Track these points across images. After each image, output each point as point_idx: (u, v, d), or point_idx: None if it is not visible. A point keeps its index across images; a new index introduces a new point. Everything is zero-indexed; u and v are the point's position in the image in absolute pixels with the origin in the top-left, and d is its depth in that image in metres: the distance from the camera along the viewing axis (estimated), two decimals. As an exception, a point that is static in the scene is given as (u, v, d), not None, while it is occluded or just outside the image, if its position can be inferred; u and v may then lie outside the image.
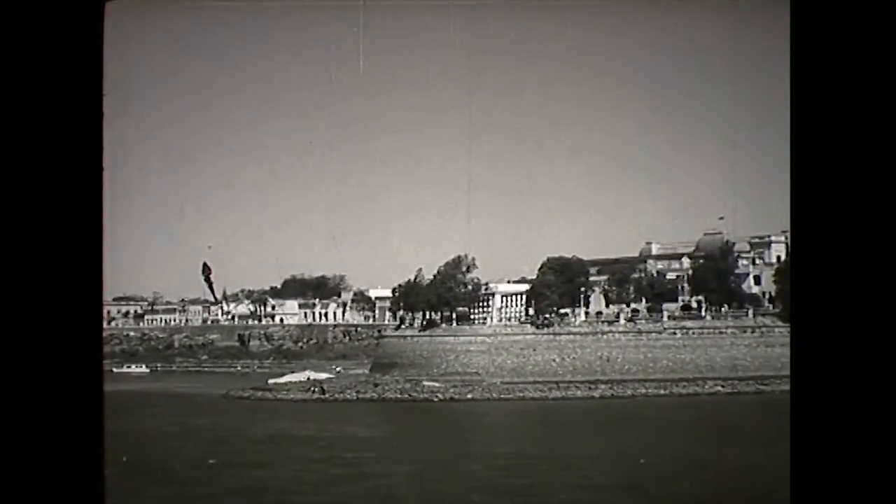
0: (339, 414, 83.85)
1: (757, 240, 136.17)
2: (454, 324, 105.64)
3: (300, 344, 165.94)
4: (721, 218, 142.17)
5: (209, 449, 57.12)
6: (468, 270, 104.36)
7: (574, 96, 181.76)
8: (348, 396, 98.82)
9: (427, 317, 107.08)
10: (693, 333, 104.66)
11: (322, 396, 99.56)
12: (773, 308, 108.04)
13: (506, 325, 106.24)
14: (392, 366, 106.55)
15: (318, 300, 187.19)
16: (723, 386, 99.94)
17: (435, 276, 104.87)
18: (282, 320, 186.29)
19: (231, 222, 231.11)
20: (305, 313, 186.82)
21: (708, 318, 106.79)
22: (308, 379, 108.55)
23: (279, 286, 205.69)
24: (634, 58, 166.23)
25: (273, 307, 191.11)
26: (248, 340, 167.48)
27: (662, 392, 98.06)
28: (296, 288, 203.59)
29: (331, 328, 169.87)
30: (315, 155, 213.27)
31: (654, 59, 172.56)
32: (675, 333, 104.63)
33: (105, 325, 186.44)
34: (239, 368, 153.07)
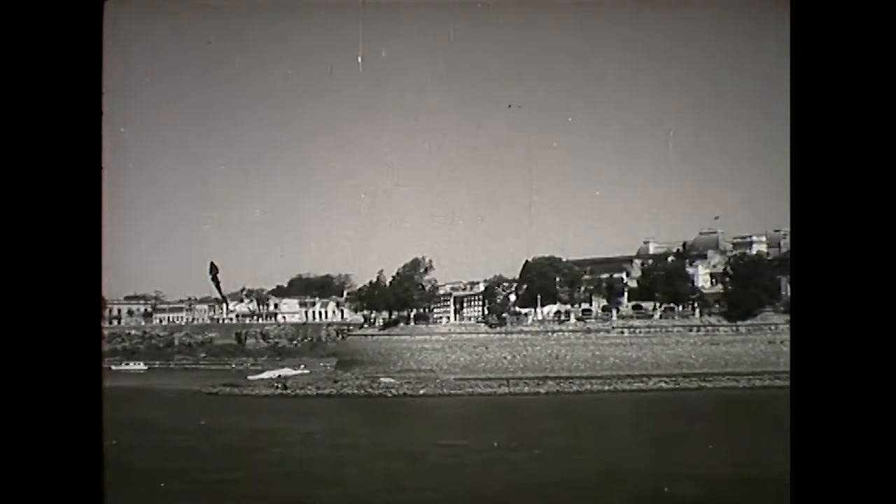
0: (286, 408, 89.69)
1: (739, 239, 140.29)
2: (412, 323, 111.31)
3: (295, 342, 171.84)
4: (716, 218, 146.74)
5: (127, 438, 62.72)
6: (425, 272, 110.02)
7: (572, 96, 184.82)
8: (308, 392, 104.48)
9: (389, 316, 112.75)
10: (640, 332, 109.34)
11: (284, 392, 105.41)
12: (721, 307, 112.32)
13: (461, 324, 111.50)
14: (354, 363, 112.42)
15: (317, 299, 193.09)
16: (666, 382, 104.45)
17: (394, 277, 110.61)
18: (284, 318, 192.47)
19: (238, 221, 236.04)
20: (306, 312, 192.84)
21: (656, 316, 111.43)
22: (279, 376, 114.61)
23: (286, 285, 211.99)
24: (633, 57, 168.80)
25: (276, 306, 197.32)
26: (245, 338, 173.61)
27: (607, 388, 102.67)
28: (301, 287, 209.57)
29: (324, 326, 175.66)
30: (319, 154, 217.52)
31: (653, 59, 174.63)
32: (622, 332, 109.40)
33: (116, 323, 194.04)
34: (234, 366, 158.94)
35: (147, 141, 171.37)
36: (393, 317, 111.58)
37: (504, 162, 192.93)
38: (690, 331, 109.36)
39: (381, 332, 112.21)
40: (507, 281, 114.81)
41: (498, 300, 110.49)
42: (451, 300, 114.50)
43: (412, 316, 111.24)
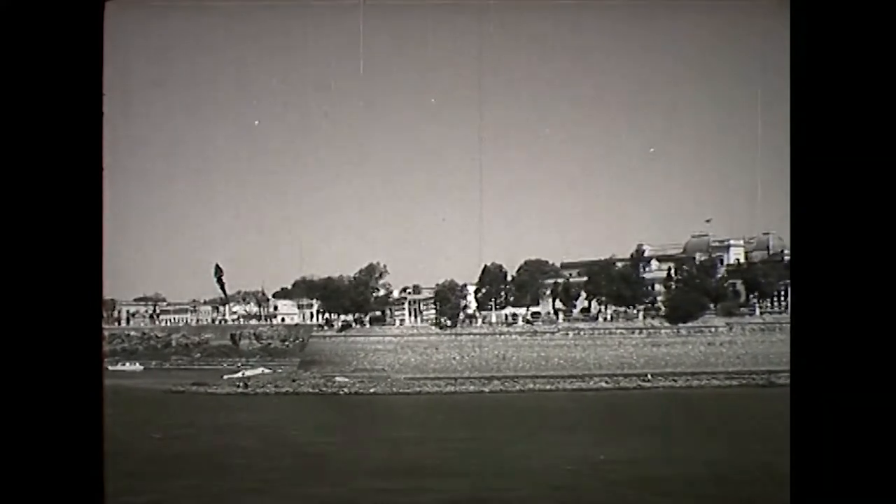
0: (235, 405, 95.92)
1: (717, 243, 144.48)
2: (367, 325, 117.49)
3: (286, 343, 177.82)
4: (708, 221, 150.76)
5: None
6: (380, 277, 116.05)
7: (570, 97, 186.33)
8: (267, 391, 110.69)
9: (353, 318, 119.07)
10: (584, 334, 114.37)
11: (245, 391, 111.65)
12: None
13: (413, 326, 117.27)
14: (313, 363, 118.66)
15: (314, 301, 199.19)
16: (606, 382, 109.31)
17: (350, 281, 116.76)
18: (283, 320, 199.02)
19: (241, 223, 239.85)
20: (303, 314, 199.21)
21: (601, 319, 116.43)
22: (242, 375, 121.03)
23: (289, 287, 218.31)
24: (635, 58, 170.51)
25: (275, 307, 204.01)
26: (239, 339, 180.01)
27: (549, 387, 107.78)
28: (304, 289, 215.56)
29: (315, 328, 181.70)
30: (321, 154, 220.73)
31: (653, 60, 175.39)
32: (567, 334, 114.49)
33: (125, 324, 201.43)
34: (226, 366, 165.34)
35: (148, 141, 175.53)
36: (351, 319, 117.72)
37: (491, 162, 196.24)
38: (633, 333, 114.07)
39: (339, 333, 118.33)
40: (460, 285, 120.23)
41: (450, 304, 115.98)
42: (407, 303, 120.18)
43: (369, 318, 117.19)
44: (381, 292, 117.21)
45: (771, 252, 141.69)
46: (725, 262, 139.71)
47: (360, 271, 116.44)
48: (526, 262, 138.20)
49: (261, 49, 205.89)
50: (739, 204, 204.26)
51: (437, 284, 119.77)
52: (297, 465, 51.80)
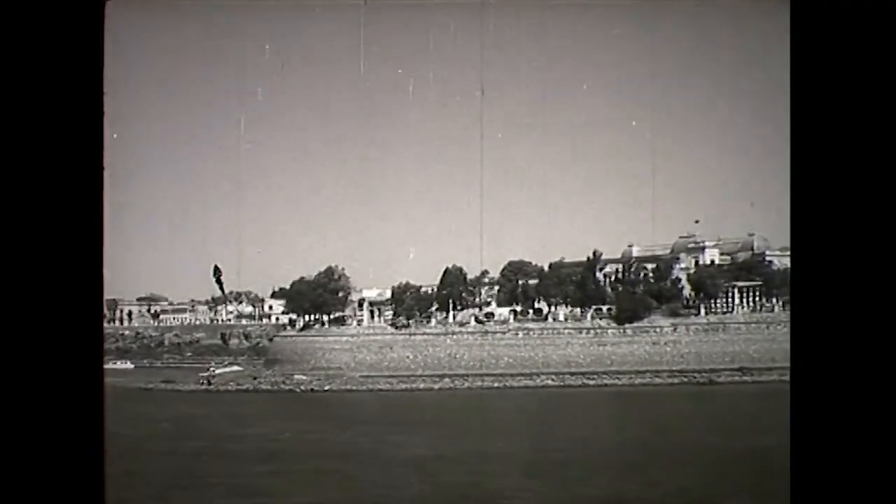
0: (183, 400, 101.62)
1: (692, 245, 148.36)
2: (326, 325, 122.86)
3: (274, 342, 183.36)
4: (697, 221, 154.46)
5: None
6: (339, 279, 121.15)
7: (570, 99, 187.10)
8: (229, 388, 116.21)
9: (310, 319, 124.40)
10: (534, 334, 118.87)
11: (208, 387, 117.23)
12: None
13: (370, 326, 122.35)
14: (275, 362, 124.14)
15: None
16: (553, 380, 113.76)
17: (309, 283, 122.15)
18: (277, 319, 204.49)
19: (240, 224, 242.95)
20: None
21: (551, 320, 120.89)
22: (210, 372, 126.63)
23: (287, 287, 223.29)
24: (633, 59, 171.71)
25: (270, 307, 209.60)
26: (229, 338, 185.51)
27: (496, 385, 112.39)
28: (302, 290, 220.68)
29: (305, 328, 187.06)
30: (321, 154, 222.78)
31: (654, 61, 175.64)
32: (517, 334, 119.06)
33: (128, 323, 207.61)
34: (213, 364, 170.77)
35: (148, 141, 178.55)
36: (309, 319, 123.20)
37: (491, 162, 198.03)
38: (581, 333, 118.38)
39: (299, 333, 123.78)
40: (414, 287, 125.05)
41: (405, 305, 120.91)
42: (366, 304, 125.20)
43: (330, 319, 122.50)
44: (340, 294, 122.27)
45: (755, 253, 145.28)
46: (701, 263, 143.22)
47: (319, 273, 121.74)
48: (509, 263, 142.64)
49: (260, 49, 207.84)
50: (738, 205, 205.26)
51: (393, 286, 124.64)
52: (154, 451, 56.64)
